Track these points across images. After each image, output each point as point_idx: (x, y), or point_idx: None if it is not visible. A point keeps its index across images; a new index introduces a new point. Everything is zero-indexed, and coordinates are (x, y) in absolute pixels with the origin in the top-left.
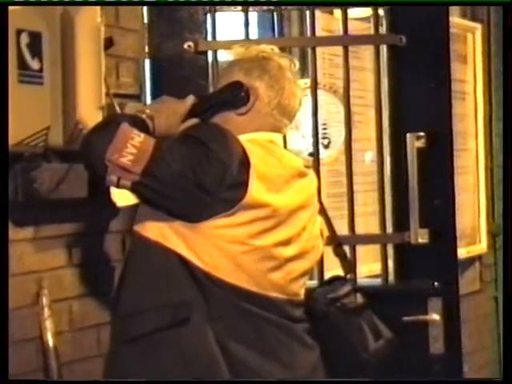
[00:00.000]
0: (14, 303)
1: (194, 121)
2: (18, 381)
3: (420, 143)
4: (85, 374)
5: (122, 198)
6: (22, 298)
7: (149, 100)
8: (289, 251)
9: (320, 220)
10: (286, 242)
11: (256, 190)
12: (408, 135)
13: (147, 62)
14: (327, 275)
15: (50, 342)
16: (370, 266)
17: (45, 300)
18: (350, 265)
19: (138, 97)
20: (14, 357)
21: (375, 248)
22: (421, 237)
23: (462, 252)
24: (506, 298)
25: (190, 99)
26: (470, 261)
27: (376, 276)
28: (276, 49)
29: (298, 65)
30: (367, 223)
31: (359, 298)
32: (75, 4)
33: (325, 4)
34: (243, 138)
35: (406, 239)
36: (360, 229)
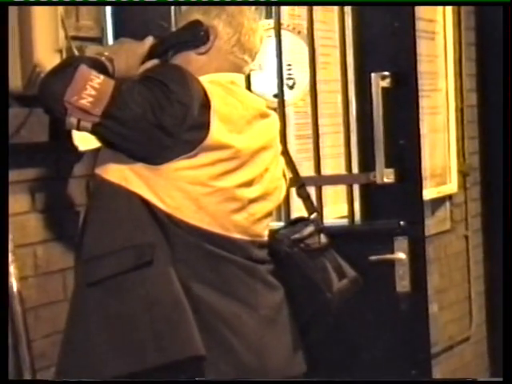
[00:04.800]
0: None
1: (153, 62)
2: (18, 381)
3: (385, 83)
4: (50, 319)
5: (85, 141)
6: None
7: (111, 43)
8: (251, 192)
9: (282, 161)
10: (249, 183)
11: (217, 131)
12: (373, 75)
13: None
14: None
15: (15, 287)
16: (337, 208)
17: (9, 245)
18: (313, 205)
19: (100, 40)
20: None
21: (342, 190)
22: (386, 177)
23: (433, 192)
24: (506, 297)
25: (149, 40)
26: (441, 200)
27: (343, 217)
28: None
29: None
30: (335, 165)
31: (323, 239)
32: (75, 4)
33: (322, 4)
34: (204, 79)
35: (372, 179)
36: (328, 171)
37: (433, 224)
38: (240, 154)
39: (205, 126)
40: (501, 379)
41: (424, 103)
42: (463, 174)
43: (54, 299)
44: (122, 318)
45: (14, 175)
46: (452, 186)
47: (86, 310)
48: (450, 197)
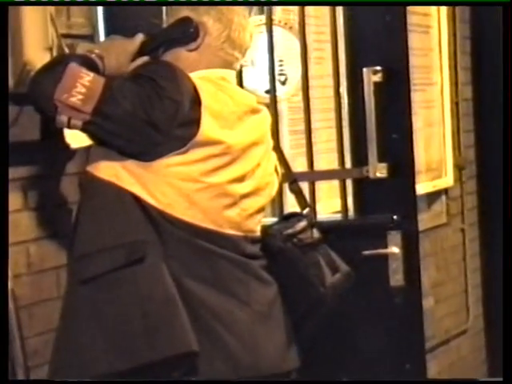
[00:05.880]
0: None
1: (143, 59)
2: (18, 381)
3: (377, 78)
4: (44, 317)
5: (77, 139)
6: None
7: (102, 40)
8: (243, 188)
9: (274, 156)
10: (241, 179)
11: (208, 127)
12: (364, 70)
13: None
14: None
15: (8, 285)
16: (330, 203)
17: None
18: (305, 201)
19: (91, 37)
20: None
21: (335, 185)
22: (379, 171)
23: (429, 186)
24: (506, 299)
25: (139, 37)
26: (437, 194)
27: (336, 212)
28: None
29: None
30: (329, 160)
31: (315, 234)
32: (75, 4)
33: (319, 4)
34: (194, 76)
35: (365, 174)
36: (322, 166)
37: (429, 218)
38: (231, 150)
39: (196, 122)
40: (501, 379)
41: (419, 97)
42: (459, 168)
43: (47, 297)
44: (115, 314)
45: None
46: (448, 180)
47: (79, 308)
48: (445, 190)
